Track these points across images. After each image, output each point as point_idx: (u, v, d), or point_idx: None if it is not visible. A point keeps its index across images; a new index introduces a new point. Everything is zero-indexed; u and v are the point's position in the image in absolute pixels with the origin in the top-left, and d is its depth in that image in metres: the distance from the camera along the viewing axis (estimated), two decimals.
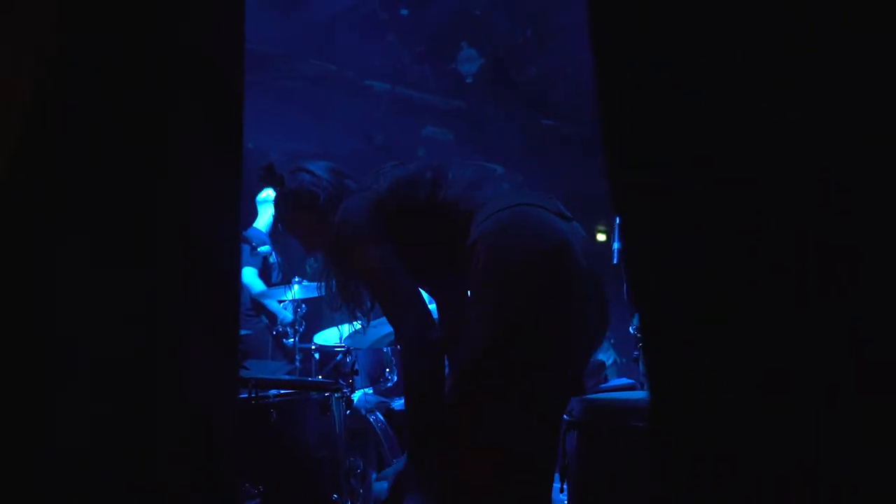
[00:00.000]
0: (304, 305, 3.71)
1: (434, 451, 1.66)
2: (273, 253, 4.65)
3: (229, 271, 1.00)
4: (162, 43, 0.91)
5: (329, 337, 3.53)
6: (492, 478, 1.56)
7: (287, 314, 4.42)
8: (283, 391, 2.31)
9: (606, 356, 5.15)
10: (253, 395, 2.18)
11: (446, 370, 1.78)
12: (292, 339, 3.67)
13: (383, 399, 3.22)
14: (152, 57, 0.90)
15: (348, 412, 2.80)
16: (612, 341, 5.31)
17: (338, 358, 2.96)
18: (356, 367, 2.89)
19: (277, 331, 4.29)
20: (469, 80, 4.67)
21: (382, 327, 3.09)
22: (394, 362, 3.44)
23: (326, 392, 2.31)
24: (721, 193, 0.64)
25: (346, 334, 3.11)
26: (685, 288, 0.64)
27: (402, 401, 3.14)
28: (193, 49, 0.94)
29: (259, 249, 4.28)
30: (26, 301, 0.85)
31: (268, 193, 4.70)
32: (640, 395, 2.06)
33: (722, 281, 0.63)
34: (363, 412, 2.97)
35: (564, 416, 1.89)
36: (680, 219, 0.65)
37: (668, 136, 0.66)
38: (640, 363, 2.53)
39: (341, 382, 2.55)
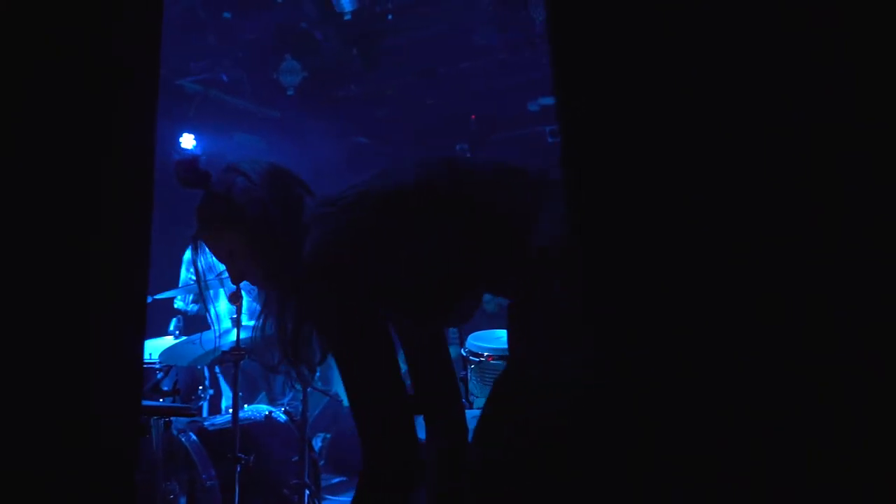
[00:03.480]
0: None
1: None
2: None
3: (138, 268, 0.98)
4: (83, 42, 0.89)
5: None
6: None
7: None
8: None
9: None
10: None
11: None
12: None
13: (196, 418, 3.09)
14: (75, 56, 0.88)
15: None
16: None
17: (158, 376, 2.80)
18: (178, 385, 2.76)
19: None
20: (290, 93, 4.63)
21: (197, 347, 2.96)
22: (206, 378, 3.32)
23: (159, 416, 2.20)
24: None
25: (161, 350, 2.95)
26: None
27: (218, 419, 3.04)
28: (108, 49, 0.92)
29: None
30: None
31: None
32: None
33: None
34: (175, 433, 2.85)
35: None
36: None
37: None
38: (469, 384, 2.66)
39: (190, 405, 2.43)
